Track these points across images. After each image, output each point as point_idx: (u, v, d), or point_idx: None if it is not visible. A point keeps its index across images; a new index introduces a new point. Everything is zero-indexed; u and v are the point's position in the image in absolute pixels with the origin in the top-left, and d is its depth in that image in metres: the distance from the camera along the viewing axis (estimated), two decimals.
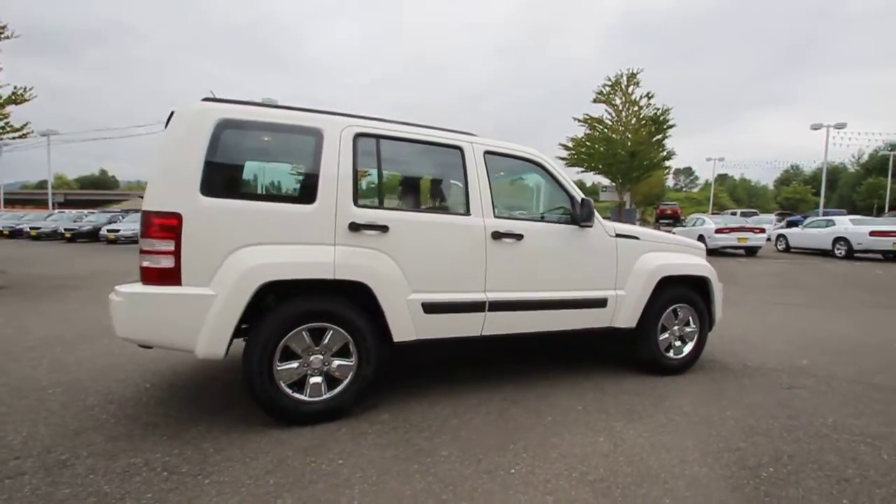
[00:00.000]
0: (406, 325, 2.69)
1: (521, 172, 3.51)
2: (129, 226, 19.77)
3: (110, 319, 2.42)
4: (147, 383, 3.19)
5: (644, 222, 27.55)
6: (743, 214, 26.76)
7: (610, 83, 22.23)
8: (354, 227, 2.58)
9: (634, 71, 21.75)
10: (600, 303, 3.28)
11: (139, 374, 3.37)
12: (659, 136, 22.16)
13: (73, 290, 7.38)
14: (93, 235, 20.28)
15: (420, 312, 2.73)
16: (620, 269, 3.35)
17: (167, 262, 2.29)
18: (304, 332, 2.51)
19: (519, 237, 2.99)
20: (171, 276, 2.29)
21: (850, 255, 13.46)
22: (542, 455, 2.29)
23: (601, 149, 22.41)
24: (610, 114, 22.54)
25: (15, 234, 23.67)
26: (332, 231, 2.55)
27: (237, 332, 2.42)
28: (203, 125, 2.39)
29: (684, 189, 77.16)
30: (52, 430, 2.48)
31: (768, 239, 16.07)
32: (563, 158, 23.20)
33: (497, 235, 2.92)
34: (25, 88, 8.85)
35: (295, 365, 2.52)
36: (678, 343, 3.65)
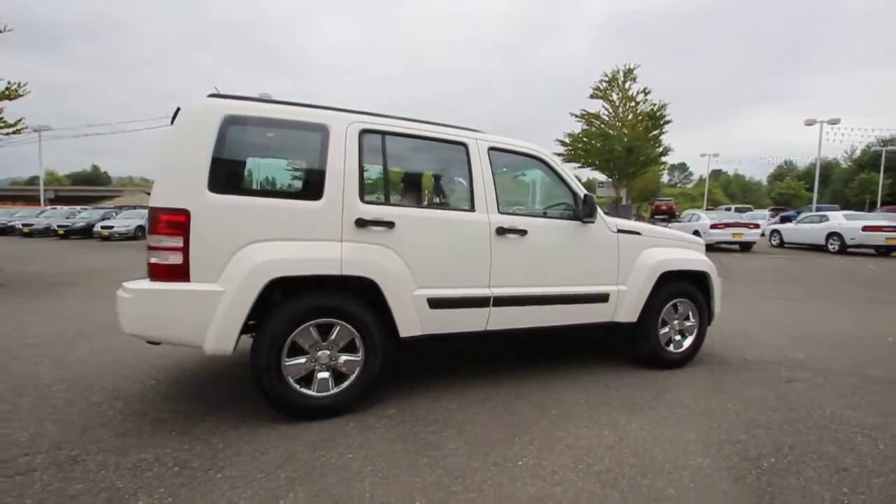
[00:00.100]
0: (412, 320, 2.71)
1: (524, 168, 3.53)
2: (123, 222, 19.64)
3: (117, 315, 2.42)
4: (152, 379, 3.20)
5: (639, 218, 27.67)
6: (737, 210, 26.99)
7: (607, 79, 22.26)
8: (361, 224, 2.59)
9: (631, 66, 21.79)
10: (602, 298, 3.32)
11: (144, 371, 3.37)
12: (655, 132, 22.25)
13: (69, 287, 7.33)
14: (86, 232, 20.12)
15: (426, 308, 2.75)
16: (622, 264, 3.39)
17: (175, 259, 2.29)
18: (311, 328, 2.52)
19: (523, 233, 3.01)
20: (179, 273, 2.30)
21: (844, 250, 13.63)
22: (549, 447, 2.33)
23: (598, 144, 22.47)
24: (607, 109, 22.61)
25: (6, 230, 23.43)
26: (338, 227, 2.56)
27: (243, 329, 2.44)
28: (210, 122, 2.38)
29: (679, 185, 77.64)
30: (59, 427, 2.48)
31: (762, 234, 16.23)
32: (560, 154, 23.25)
33: (501, 231, 2.95)
34: (20, 84, 8.74)
35: (302, 360, 2.54)
36: (678, 337, 3.70)
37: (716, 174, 63.55)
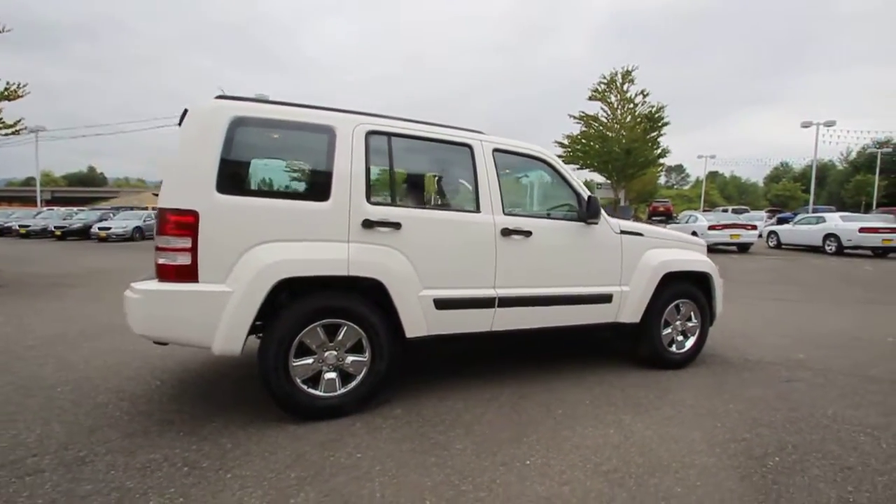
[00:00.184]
0: (418, 320, 2.73)
1: (527, 170, 3.56)
2: (121, 224, 19.58)
3: (126, 316, 2.42)
4: (157, 380, 3.20)
5: (637, 219, 27.75)
6: (734, 211, 27.10)
7: (605, 81, 22.36)
8: (368, 224, 2.60)
9: (629, 69, 21.90)
10: (606, 298, 3.34)
11: (148, 371, 3.37)
12: (654, 134, 22.36)
13: (69, 289, 7.31)
14: (83, 233, 20.04)
15: (432, 308, 2.76)
16: (625, 265, 3.41)
17: (184, 259, 2.30)
18: (318, 329, 2.53)
19: (527, 234, 3.03)
20: (187, 273, 2.31)
21: (840, 251, 13.72)
22: (556, 447, 2.35)
23: (597, 146, 22.57)
24: (605, 111, 22.71)
25: (3, 231, 23.32)
26: (345, 228, 2.57)
27: (250, 329, 2.44)
28: (217, 123, 2.39)
29: (675, 186, 77.89)
30: (66, 428, 2.48)
31: (760, 235, 16.31)
32: (559, 156, 23.27)
33: (506, 232, 2.96)
34: (19, 84, 8.71)
35: (310, 361, 2.55)
36: (680, 338, 3.72)
37: (712, 175, 63.88)
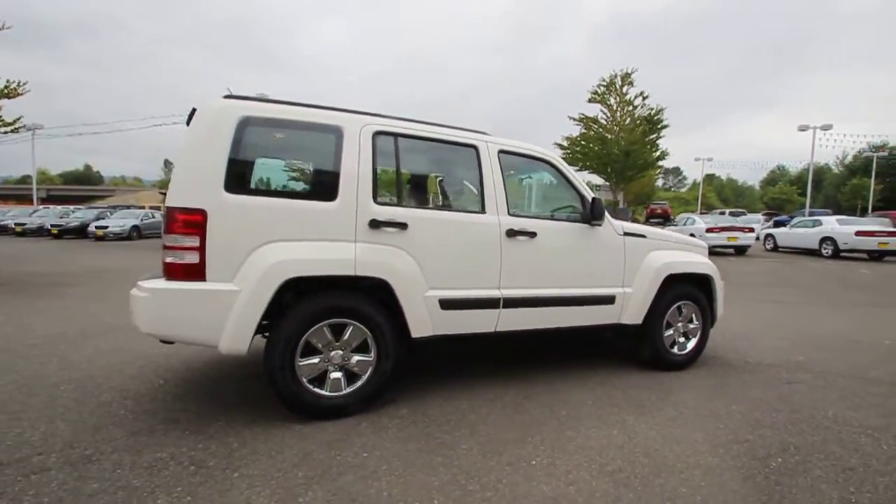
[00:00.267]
0: (423, 320, 2.74)
1: (532, 171, 3.57)
2: (118, 222, 19.51)
3: (132, 314, 2.42)
4: (161, 379, 3.19)
5: (634, 221, 27.84)
6: (731, 214, 27.21)
7: (605, 83, 22.46)
8: (374, 225, 2.61)
9: (629, 71, 22.01)
10: (609, 300, 3.36)
11: (152, 370, 3.37)
12: (653, 136, 22.47)
13: (68, 288, 7.28)
14: (80, 232, 19.96)
15: (437, 308, 2.77)
16: (628, 266, 3.43)
17: (192, 258, 2.30)
18: (325, 328, 2.54)
19: (532, 235, 3.05)
20: (195, 272, 2.31)
21: (837, 254, 13.80)
22: (561, 447, 2.36)
23: (596, 148, 22.66)
24: (605, 113, 22.81)
25: None
26: (352, 228, 2.58)
27: (256, 329, 2.44)
28: (226, 123, 2.40)
29: (673, 189, 78.14)
30: (70, 427, 2.48)
31: (757, 238, 16.39)
32: None
33: (511, 233, 2.98)
34: (19, 82, 8.68)
35: (316, 360, 2.55)
36: (682, 339, 3.74)
37: (709, 178, 64.15)
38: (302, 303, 2.49)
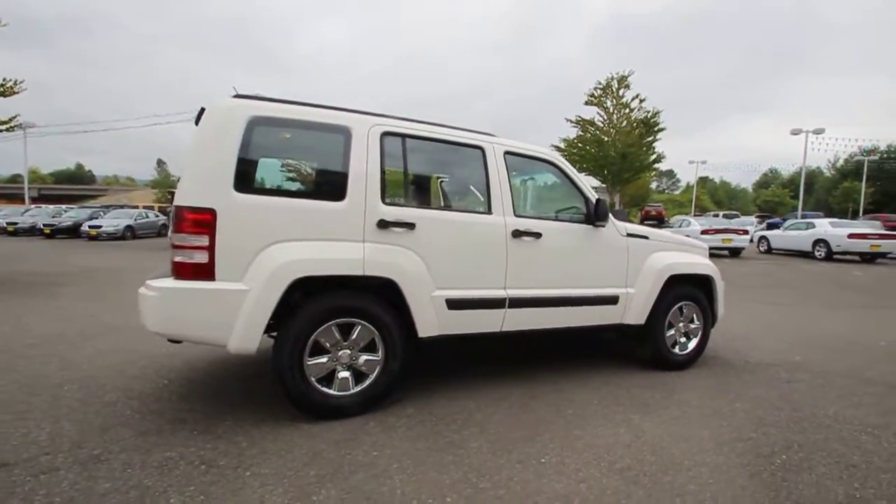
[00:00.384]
0: (430, 320, 2.75)
1: (536, 172, 3.60)
2: (112, 222, 19.32)
3: (140, 313, 2.41)
4: (165, 379, 3.18)
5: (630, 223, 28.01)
6: (725, 216, 27.48)
7: (601, 86, 22.61)
8: (383, 225, 2.62)
9: (625, 74, 22.18)
10: (612, 300, 3.39)
11: (155, 371, 3.35)
12: (649, 139, 22.65)
13: (64, 287, 7.21)
14: (73, 231, 19.74)
15: (444, 308, 2.79)
16: (631, 267, 3.47)
17: (201, 257, 2.30)
18: (333, 328, 2.55)
19: (538, 235, 3.07)
20: (204, 271, 2.31)
21: (830, 256, 13.97)
22: (569, 446, 2.38)
23: (593, 150, 22.80)
24: (601, 116, 22.96)
25: None
26: (361, 228, 2.59)
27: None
28: (235, 122, 2.40)
29: (666, 191, 78.69)
30: (76, 427, 2.47)
31: (751, 240, 16.56)
32: None
33: (517, 234, 3.00)
34: (16, 81, 8.59)
35: (324, 360, 2.56)
36: (683, 339, 3.78)
37: (703, 181, 64.66)
38: (311, 302, 2.50)
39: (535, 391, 3.13)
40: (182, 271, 2.33)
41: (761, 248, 17.06)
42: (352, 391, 2.61)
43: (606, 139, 22.64)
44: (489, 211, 2.99)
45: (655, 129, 22.53)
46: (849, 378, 3.60)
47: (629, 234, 3.48)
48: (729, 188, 78.50)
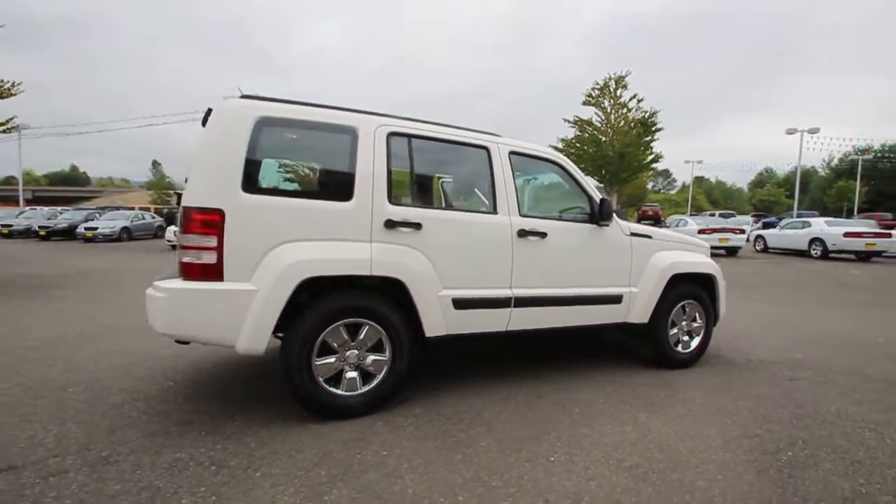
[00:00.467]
0: (437, 320, 2.75)
1: (541, 172, 3.61)
2: (108, 224, 19.23)
3: (148, 314, 2.41)
4: (170, 381, 3.17)
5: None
6: (721, 216, 27.61)
7: (599, 86, 22.70)
8: (390, 225, 2.63)
9: (623, 74, 22.28)
10: (616, 299, 3.41)
11: (159, 372, 3.34)
12: (647, 138, 22.75)
13: (62, 290, 7.17)
14: (68, 233, 19.64)
15: (451, 308, 2.79)
16: (634, 266, 3.49)
17: (209, 258, 2.30)
18: (341, 328, 2.55)
19: (543, 235, 3.08)
20: (213, 272, 2.31)
21: (826, 255, 14.07)
22: (577, 444, 2.39)
23: (591, 150, 22.88)
24: (599, 116, 23.05)
25: None
26: (368, 228, 2.59)
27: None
28: (243, 123, 2.40)
29: (662, 191, 79.01)
30: (83, 429, 2.46)
31: (747, 240, 16.65)
32: None
33: (523, 233, 3.01)
34: (13, 83, 8.54)
35: (332, 360, 2.56)
36: (686, 338, 3.80)
37: (698, 181, 64.98)
38: (319, 302, 2.50)
39: (540, 390, 3.15)
40: (190, 272, 2.32)
41: (757, 247, 17.15)
42: (359, 391, 2.62)
43: (604, 139, 22.73)
44: (494, 211, 3.00)
45: (653, 128, 22.64)
46: (849, 375, 3.63)
47: (632, 234, 3.50)
48: (724, 188, 78.88)
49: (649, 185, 63.41)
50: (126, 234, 19.30)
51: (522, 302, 3.02)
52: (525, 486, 1.99)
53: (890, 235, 13.89)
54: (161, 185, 49.48)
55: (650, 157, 23.78)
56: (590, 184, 3.41)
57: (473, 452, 2.28)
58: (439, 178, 3.54)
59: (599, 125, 23.18)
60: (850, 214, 33.62)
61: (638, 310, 3.49)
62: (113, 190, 75.27)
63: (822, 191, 48.76)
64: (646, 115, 22.48)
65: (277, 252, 2.40)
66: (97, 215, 21.83)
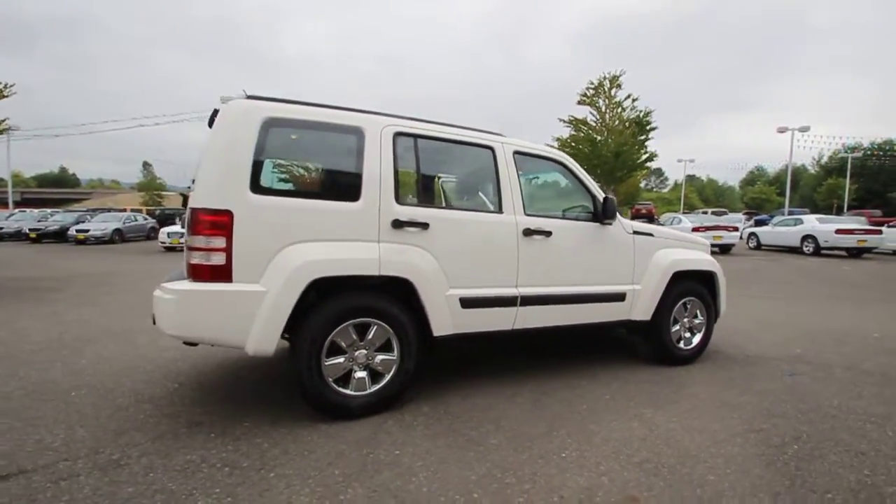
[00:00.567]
0: (445, 319, 2.76)
1: (544, 172, 3.63)
2: (100, 226, 19.00)
3: (157, 316, 2.39)
4: (175, 383, 3.15)
5: None
6: (714, 213, 27.89)
7: (593, 86, 22.83)
8: (397, 225, 2.63)
9: (617, 74, 22.43)
10: (620, 297, 3.44)
11: (163, 375, 3.32)
12: (642, 137, 22.94)
13: (56, 293, 7.08)
14: (59, 236, 19.38)
15: (458, 307, 2.81)
16: (637, 264, 3.52)
17: (218, 259, 2.29)
18: (350, 328, 2.55)
19: (548, 234, 3.10)
20: (222, 273, 2.30)
21: (818, 251, 14.27)
22: (586, 440, 2.41)
23: (586, 150, 23.02)
24: (594, 115, 23.20)
25: None
26: (376, 228, 2.60)
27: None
28: (250, 123, 2.40)
29: (655, 189, 79.60)
30: (91, 432, 2.44)
31: (740, 237, 16.83)
32: None
33: (528, 232, 3.03)
34: (6, 85, 8.42)
35: (341, 360, 2.56)
36: (688, 335, 3.84)
37: (690, 179, 65.54)
38: (328, 303, 2.50)
39: (545, 387, 3.17)
40: (199, 273, 2.31)
41: (750, 245, 17.35)
42: (368, 391, 2.62)
43: (599, 138, 22.88)
44: (500, 210, 3.01)
45: (648, 128, 22.83)
46: (848, 370, 3.69)
47: (635, 232, 3.53)
48: (716, 186, 79.67)
49: (642, 184, 63.88)
50: (118, 236, 19.08)
51: (528, 301, 3.04)
52: (539, 483, 2.01)
53: (880, 232, 14.12)
54: (152, 186, 48.99)
55: (645, 156, 23.96)
56: (593, 182, 3.44)
57: (485, 450, 2.29)
58: (439, 177, 3.55)
59: (595, 124, 23.32)
60: (839, 211, 34.09)
61: (641, 307, 3.52)
62: (103, 191, 74.48)
63: (812, 188, 49.38)
64: (641, 115, 22.66)
65: (286, 253, 2.40)
66: (88, 217, 21.57)
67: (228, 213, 2.30)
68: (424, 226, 2.71)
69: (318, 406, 2.52)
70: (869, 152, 40.70)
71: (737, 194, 72.82)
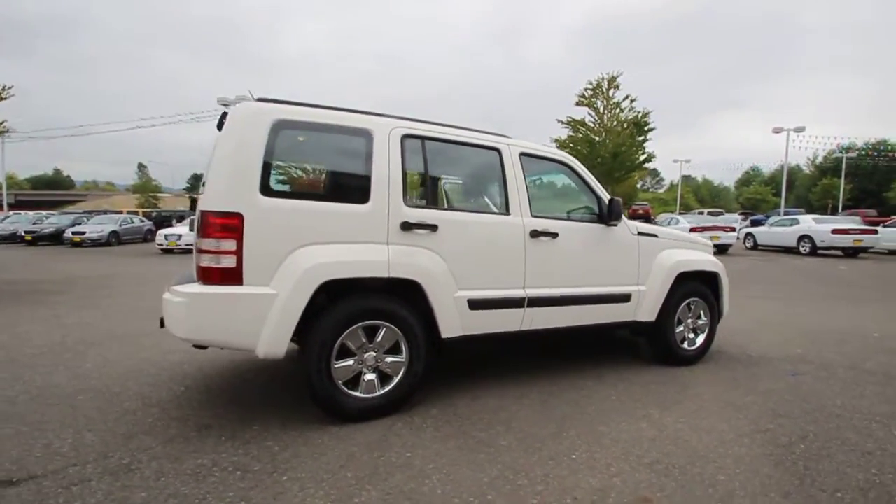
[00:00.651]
0: (453, 321, 2.77)
1: (550, 173, 3.65)
2: (96, 228, 18.87)
3: (167, 320, 2.39)
4: (182, 386, 3.14)
5: None
6: (710, 214, 28.02)
7: (591, 87, 22.93)
8: (406, 227, 2.64)
9: (615, 75, 22.54)
10: (625, 298, 3.45)
11: (168, 377, 3.31)
12: (640, 138, 23.05)
13: (55, 295, 7.04)
14: (55, 238, 19.24)
15: (466, 309, 2.81)
16: (642, 265, 3.54)
17: (229, 262, 2.29)
18: (359, 330, 2.55)
19: (554, 235, 3.12)
20: (233, 276, 2.29)
21: (814, 251, 14.37)
22: (596, 441, 2.43)
23: (584, 150, 23.10)
24: (592, 116, 23.29)
25: None
26: (385, 230, 2.60)
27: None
28: (260, 126, 2.40)
29: (651, 190, 79.90)
30: (99, 436, 2.43)
31: (737, 237, 16.92)
32: None
33: (535, 234, 3.04)
34: (4, 87, 8.36)
35: (350, 362, 2.56)
36: (691, 335, 3.87)
37: (686, 179, 65.81)
38: (338, 305, 2.50)
39: (552, 388, 3.18)
40: (209, 276, 2.31)
41: (747, 245, 17.44)
42: (377, 393, 2.62)
43: (597, 139, 22.97)
44: (507, 212, 3.02)
45: (646, 128, 22.95)
46: (850, 370, 3.72)
47: (640, 233, 3.55)
48: (712, 186, 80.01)
49: (638, 185, 64.11)
50: (115, 239, 18.96)
51: (536, 302, 3.05)
52: (552, 484, 2.02)
53: (876, 232, 14.24)
54: (148, 188, 48.72)
55: (643, 157, 24.07)
56: (598, 184, 3.46)
57: (496, 451, 2.30)
58: (452, 180, 3.56)
59: (593, 125, 23.42)
60: (834, 211, 34.34)
61: (646, 308, 3.54)
62: (98, 193, 74.05)
63: (807, 188, 49.73)
64: (639, 115, 22.78)
65: (296, 255, 2.40)
66: (85, 219, 21.44)
67: (238, 216, 2.30)
68: (433, 228, 2.71)
69: (328, 409, 2.52)
70: (863, 152, 41.01)
71: (732, 194, 73.19)
